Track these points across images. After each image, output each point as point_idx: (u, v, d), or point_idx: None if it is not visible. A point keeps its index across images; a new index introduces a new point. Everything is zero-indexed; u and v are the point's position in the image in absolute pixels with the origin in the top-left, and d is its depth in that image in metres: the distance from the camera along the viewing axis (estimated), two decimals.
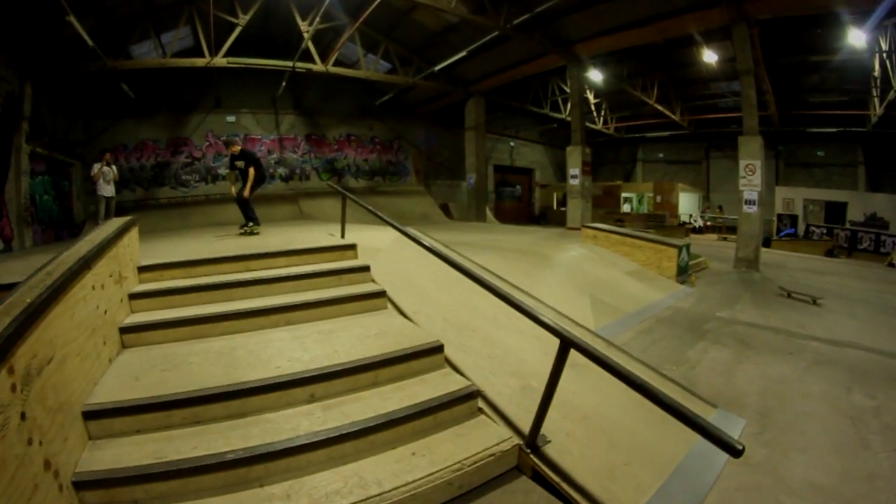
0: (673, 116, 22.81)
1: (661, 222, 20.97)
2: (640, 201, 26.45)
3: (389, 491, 2.50)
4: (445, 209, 19.74)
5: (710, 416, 4.06)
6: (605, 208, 23.73)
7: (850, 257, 18.82)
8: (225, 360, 3.28)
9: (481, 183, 18.71)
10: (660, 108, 21.49)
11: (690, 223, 24.26)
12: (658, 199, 24.89)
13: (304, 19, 12.12)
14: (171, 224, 11.86)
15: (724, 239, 19.07)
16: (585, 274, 8.21)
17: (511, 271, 5.98)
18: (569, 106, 18.73)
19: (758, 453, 3.75)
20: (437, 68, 14.92)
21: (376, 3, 10.33)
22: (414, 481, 2.58)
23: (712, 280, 10.20)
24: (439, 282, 5.03)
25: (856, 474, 3.52)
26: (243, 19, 12.03)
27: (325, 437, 2.69)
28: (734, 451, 2.26)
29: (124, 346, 3.51)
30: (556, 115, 21.99)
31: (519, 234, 12.91)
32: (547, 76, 19.57)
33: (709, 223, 24.84)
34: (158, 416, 2.76)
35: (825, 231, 21.35)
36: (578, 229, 11.89)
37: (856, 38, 13.47)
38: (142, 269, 4.32)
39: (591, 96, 22.27)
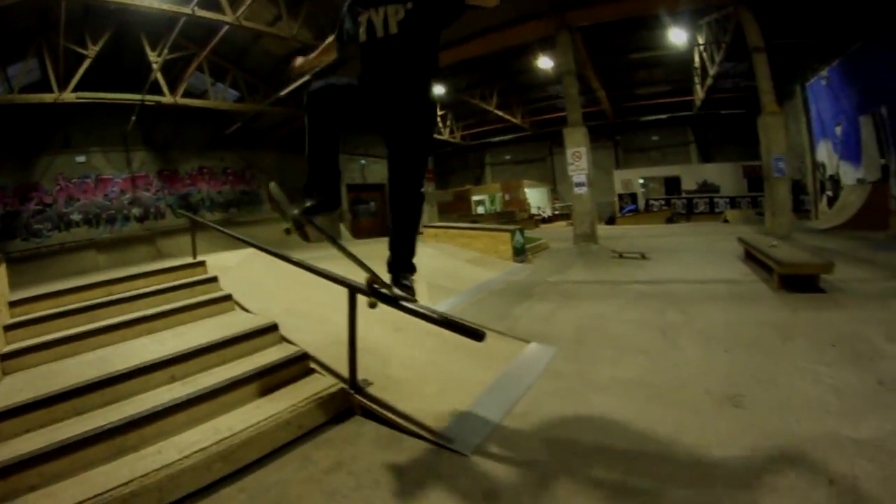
0: (514, 120, 24.89)
1: (512, 217, 22.89)
2: (492, 201, 28.66)
3: (239, 432, 3.21)
4: (302, 233, 20.03)
5: (524, 349, 4.60)
6: (459, 212, 25.75)
7: (689, 221, 21.55)
8: (98, 365, 3.85)
9: None
10: (501, 113, 23.43)
11: (539, 214, 26.74)
12: (507, 196, 27.19)
13: (153, 49, 12.15)
14: (23, 279, 11.05)
15: (571, 225, 21.14)
16: (425, 266, 8.87)
17: (353, 273, 6.69)
18: None
19: (569, 368, 4.14)
20: (283, 93, 15.16)
21: (223, 31, 10.86)
22: (258, 422, 3.31)
23: (551, 256, 11.23)
24: (281, 284, 5.85)
25: (662, 367, 4.01)
26: (93, 50, 11.81)
27: (184, 400, 3.41)
28: (477, 336, 2.75)
29: (5, 373, 3.95)
30: None
31: (369, 244, 13.20)
32: None
33: (557, 212, 27.56)
34: (43, 413, 3.24)
35: (664, 202, 24.45)
36: (422, 232, 12.84)
37: (677, 36, 15.65)
38: (13, 304, 4.79)
39: None
